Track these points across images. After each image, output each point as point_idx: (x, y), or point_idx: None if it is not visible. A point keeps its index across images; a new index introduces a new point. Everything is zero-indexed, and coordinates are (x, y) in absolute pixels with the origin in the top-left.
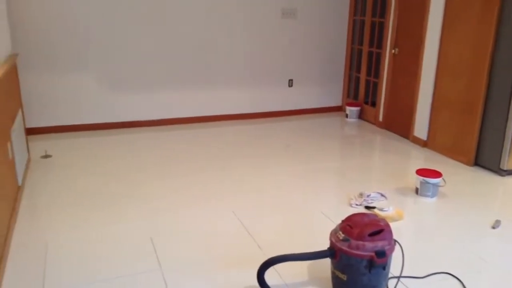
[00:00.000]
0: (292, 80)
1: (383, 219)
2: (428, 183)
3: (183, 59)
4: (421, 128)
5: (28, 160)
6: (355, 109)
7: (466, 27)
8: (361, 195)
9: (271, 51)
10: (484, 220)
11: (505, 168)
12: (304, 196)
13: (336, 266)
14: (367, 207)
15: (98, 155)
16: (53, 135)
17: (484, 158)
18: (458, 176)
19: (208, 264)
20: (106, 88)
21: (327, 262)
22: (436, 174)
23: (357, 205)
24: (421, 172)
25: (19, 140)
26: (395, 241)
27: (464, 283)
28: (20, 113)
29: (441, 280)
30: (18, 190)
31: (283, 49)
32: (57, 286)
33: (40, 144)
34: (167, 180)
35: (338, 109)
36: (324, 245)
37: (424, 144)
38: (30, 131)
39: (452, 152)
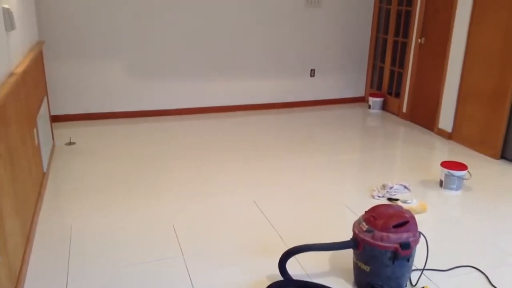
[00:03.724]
0: (314, 70)
1: (408, 211)
2: (453, 175)
3: (209, 48)
4: (446, 120)
5: (53, 147)
6: (378, 100)
7: (497, 15)
8: (384, 186)
9: (293, 40)
10: (509, 214)
11: None
12: (326, 187)
13: (359, 257)
14: (389, 199)
15: (122, 143)
16: (78, 122)
17: (511, 152)
18: (483, 169)
19: (229, 253)
20: (132, 76)
21: (349, 253)
22: (462, 166)
23: (379, 197)
24: (446, 164)
25: (44, 127)
26: (420, 233)
27: (489, 277)
28: (45, 100)
29: (465, 273)
30: (43, 176)
31: (305, 38)
32: (81, 270)
33: (65, 132)
34: (190, 169)
35: (361, 100)
36: (346, 236)
37: (449, 136)
38: (55, 119)
39: (478, 144)
